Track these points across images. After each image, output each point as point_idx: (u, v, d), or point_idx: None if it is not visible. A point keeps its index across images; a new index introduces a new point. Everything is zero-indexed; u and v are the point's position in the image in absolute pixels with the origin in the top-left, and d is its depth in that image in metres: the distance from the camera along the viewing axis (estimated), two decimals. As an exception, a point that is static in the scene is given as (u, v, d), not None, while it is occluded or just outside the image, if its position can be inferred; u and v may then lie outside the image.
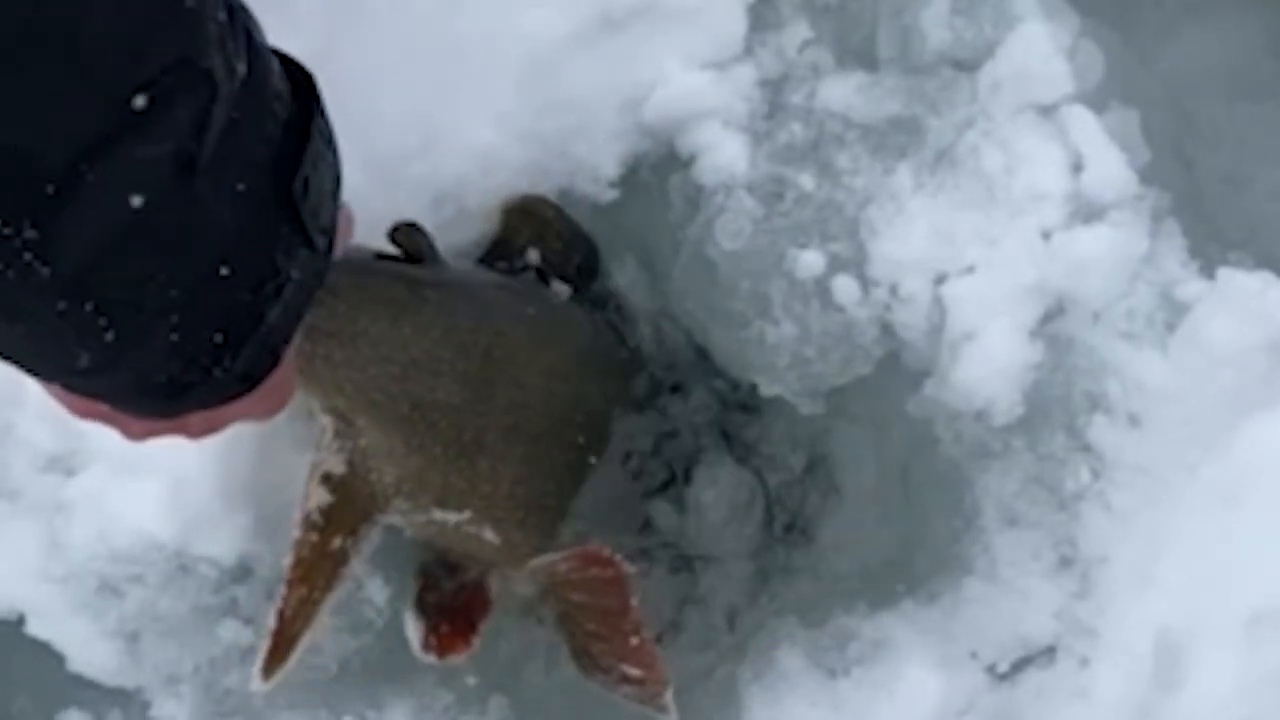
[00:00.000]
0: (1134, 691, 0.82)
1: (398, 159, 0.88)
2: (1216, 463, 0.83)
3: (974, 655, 0.86)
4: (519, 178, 0.92)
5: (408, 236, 0.82)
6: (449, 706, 0.92)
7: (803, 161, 0.91)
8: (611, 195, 0.95)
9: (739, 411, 1.03)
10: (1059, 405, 0.87)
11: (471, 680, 0.93)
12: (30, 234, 0.48)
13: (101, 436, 0.83)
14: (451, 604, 0.87)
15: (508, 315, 0.87)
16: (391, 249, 0.82)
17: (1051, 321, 0.88)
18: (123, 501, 0.84)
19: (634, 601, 0.84)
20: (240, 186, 0.55)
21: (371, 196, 0.83)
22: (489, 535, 0.86)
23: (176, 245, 0.53)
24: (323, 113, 0.60)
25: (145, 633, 0.87)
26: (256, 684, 0.79)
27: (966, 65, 0.92)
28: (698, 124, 0.92)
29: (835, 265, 0.89)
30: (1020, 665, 0.85)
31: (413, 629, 0.86)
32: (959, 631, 0.86)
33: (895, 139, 0.91)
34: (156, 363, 0.56)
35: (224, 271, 0.55)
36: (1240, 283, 0.86)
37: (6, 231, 0.48)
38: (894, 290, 0.89)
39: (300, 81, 0.60)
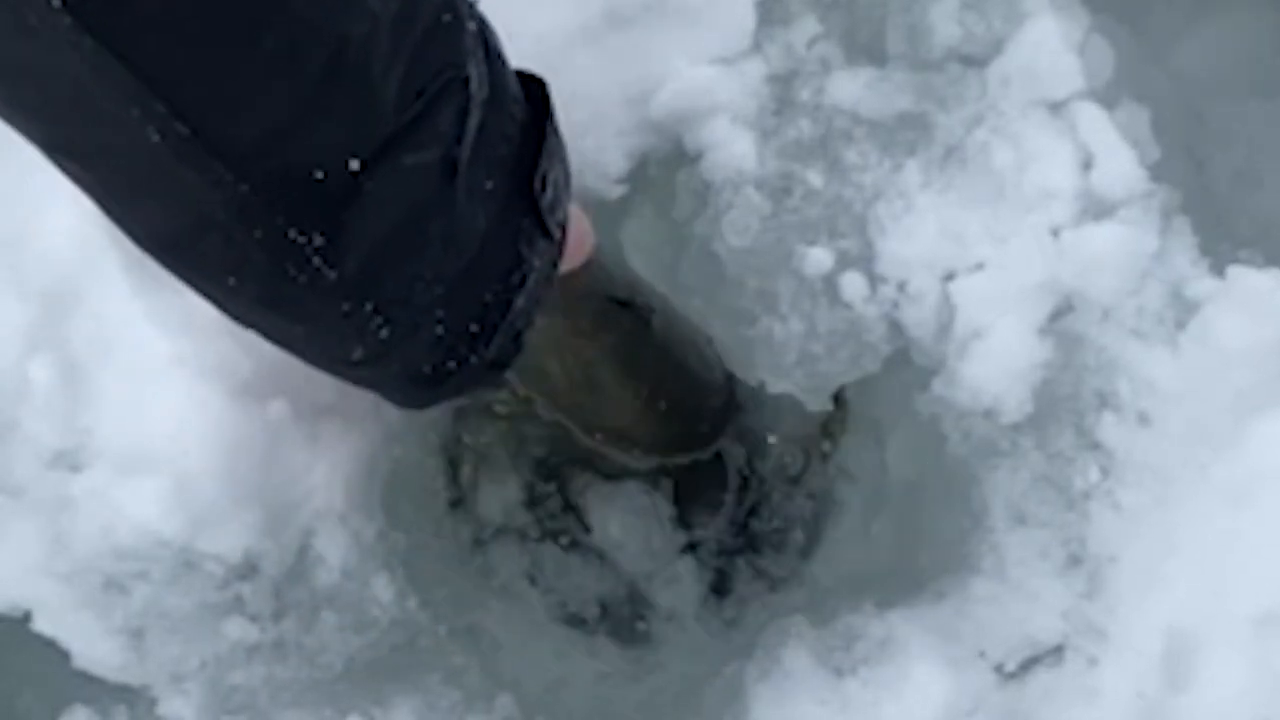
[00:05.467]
0: (1142, 691, 0.82)
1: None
2: (1226, 462, 0.83)
3: (982, 654, 0.86)
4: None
5: (638, 302, 0.93)
6: (455, 705, 0.92)
7: (811, 158, 0.91)
8: (619, 191, 0.94)
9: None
10: (1068, 404, 0.87)
11: (477, 679, 0.93)
12: (319, 241, 0.53)
13: (107, 433, 0.84)
14: None
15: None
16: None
17: (1061, 319, 0.88)
18: (128, 498, 0.84)
19: None
20: (489, 185, 0.59)
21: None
22: None
23: (442, 244, 0.58)
24: (553, 114, 0.64)
25: (150, 629, 0.87)
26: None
27: (976, 61, 0.91)
28: (706, 120, 0.92)
29: (843, 262, 0.89)
30: (1028, 665, 0.85)
31: None
32: (966, 631, 0.86)
33: (904, 135, 0.91)
34: (423, 354, 0.62)
35: (479, 265, 0.60)
36: (1251, 281, 0.86)
37: (300, 240, 0.53)
38: (902, 287, 0.89)
39: (531, 87, 0.64)
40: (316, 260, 0.54)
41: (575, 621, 1.04)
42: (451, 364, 0.63)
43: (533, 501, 1.04)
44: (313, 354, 0.63)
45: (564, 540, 1.04)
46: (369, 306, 0.57)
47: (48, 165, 0.82)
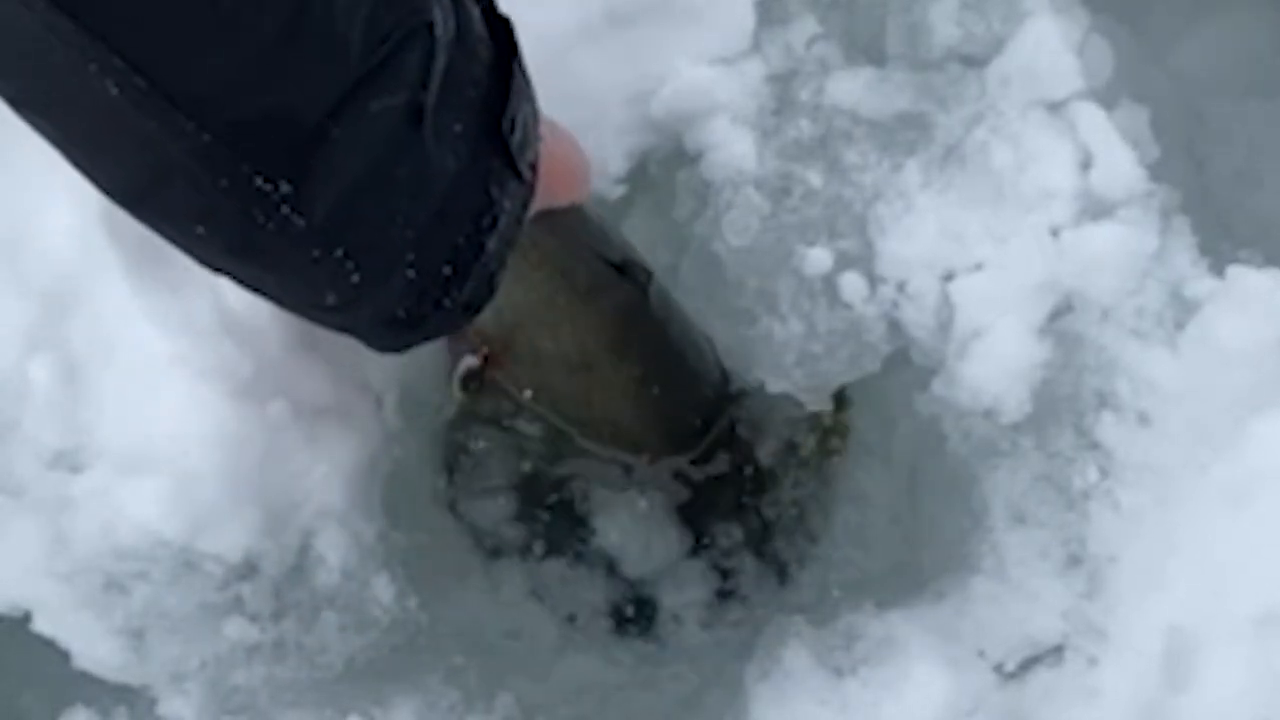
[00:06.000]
0: (1143, 691, 0.82)
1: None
2: (1226, 462, 0.83)
3: (982, 654, 0.86)
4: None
5: (634, 268, 0.91)
6: (455, 705, 0.92)
7: (811, 158, 0.91)
8: (619, 191, 0.95)
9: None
10: (1068, 403, 0.87)
11: (477, 679, 0.93)
12: (286, 189, 0.54)
13: (108, 433, 0.84)
14: None
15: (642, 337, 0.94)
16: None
17: (1060, 319, 0.88)
18: (128, 498, 0.84)
19: None
20: (458, 128, 0.59)
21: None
22: None
23: (411, 189, 0.58)
24: (519, 53, 0.65)
25: (151, 629, 0.87)
26: (458, 394, 0.90)
27: (975, 61, 0.92)
28: (706, 120, 0.92)
29: (843, 262, 0.89)
30: (1028, 664, 0.85)
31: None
32: (967, 630, 0.86)
33: (903, 135, 0.91)
34: (395, 298, 0.62)
35: (449, 209, 0.61)
36: (1250, 281, 0.86)
37: (266, 188, 0.53)
38: (902, 287, 0.89)
39: (496, 27, 0.64)
40: (284, 208, 0.54)
41: (576, 624, 1.04)
42: (425, 307, 0.63)
43: (531, 511, 1.04)
44: (286, 299, 0.63)
45: (564, 549, 1.04)
46: (339, 252, 0.58)
47: (48, 165, 0.82)
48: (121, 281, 0.82)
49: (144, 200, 0.56)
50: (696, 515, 1.05)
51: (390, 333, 0.65)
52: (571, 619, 1.03)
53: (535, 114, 0.68)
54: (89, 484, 0.84)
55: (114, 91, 0.50)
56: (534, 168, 0.67)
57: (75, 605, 0.86)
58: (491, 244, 0.64)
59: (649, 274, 0.92)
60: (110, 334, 0.83)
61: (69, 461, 0.85)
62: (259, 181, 0.53)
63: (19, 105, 0.53)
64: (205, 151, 0.52)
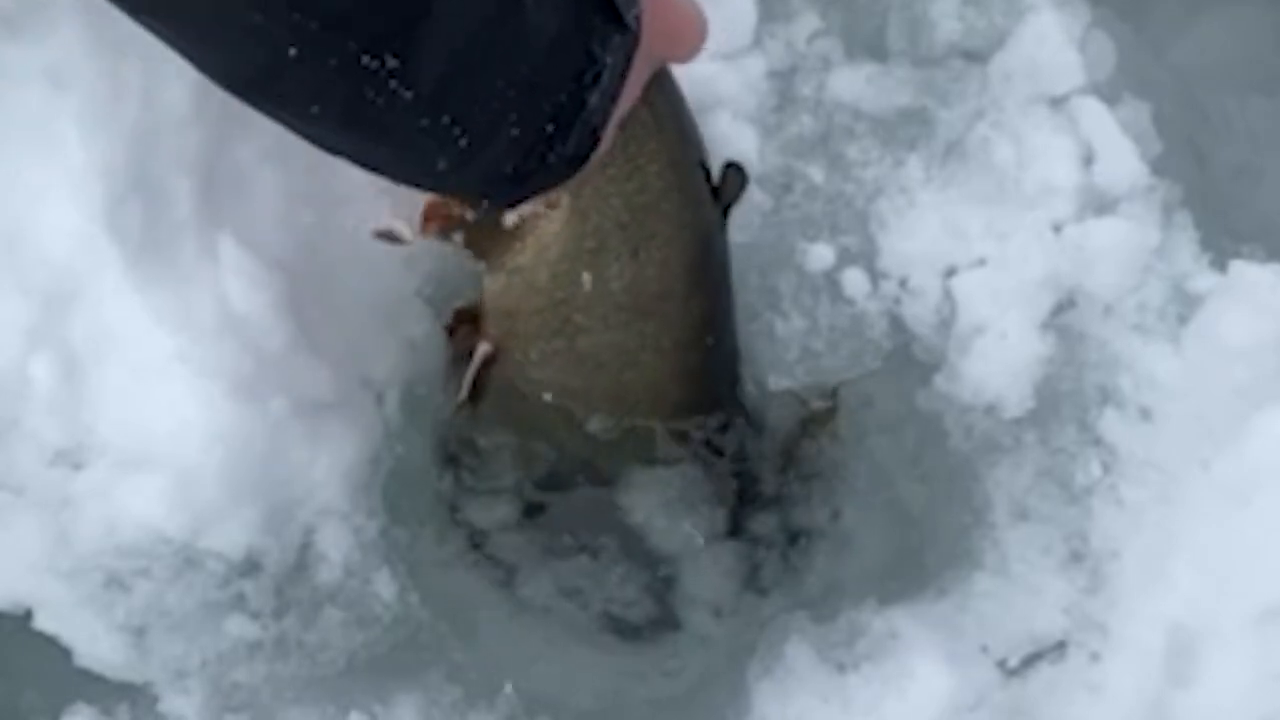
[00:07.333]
0: (1145, 687, 0.82)
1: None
2: (1228, 457, 0.83)
3: (984, 650, 0.86)
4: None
5: (729, 175, 0.85)
6: (457, 701, 0.92)
7: (812, 154, 0.91)
8: (620, 187, 0.94)
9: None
10: (1070, 399, 0.87)
11: (479, 676, 0.93)
12: (392, 63, 0.56)
13: (109, 431, 0.84)
14: None
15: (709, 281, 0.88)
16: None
17: (1062, 314, 0.88)
18: (129, 495, 0.84)
19: None
20: None
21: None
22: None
23: (512, 52, 0.61)
24: None
25: (152, 627, 0.87)
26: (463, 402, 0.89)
27: (977, 56, 0.92)
28: (707, 116, 0.92)
29: (845, 258, 0.90)
30: (1031, 660, 0.85)
31: None
32: (969, 626, 0.86)
33: (905, 131, 0.91)
34: (502, 157, 0.64)
35: (551, 66, 0.63)
36: (1252, 276, 0.86)
37: (374, 65, 0.56)
38: (904, 283, 0.89)
39: None
40: (393, 82, 0.57)
41: (579, 620, 1.04)
42: (532, 163, 0.65)
43: (536, 510, 1.03)
44: (400, 171, 0.66)
45: (568, 547, 1.04)
46: (446, 119, 0.60)
47: (47, 163, 0.82)
48: (122, 279, 0.82)
49: (258, 87, 0.59)
50: (710, 502, 1.04)
51: (499, 190, 0.67)
52: (606, 615, 1.02)
53: None
54: (90, 481, 0.84)
55: None
56: (639, 19, 0.68)
57: (77, 603, 0.86)
58: (594, 99, 0.65)
59: (744, 180, 0.86)
60: (111, 331, 0.83)
61: (70, 459, 0.85)
62: (366, 59, 0.56)
63: (136, 12, 0.56)
64: (313, 37, 0.54)
